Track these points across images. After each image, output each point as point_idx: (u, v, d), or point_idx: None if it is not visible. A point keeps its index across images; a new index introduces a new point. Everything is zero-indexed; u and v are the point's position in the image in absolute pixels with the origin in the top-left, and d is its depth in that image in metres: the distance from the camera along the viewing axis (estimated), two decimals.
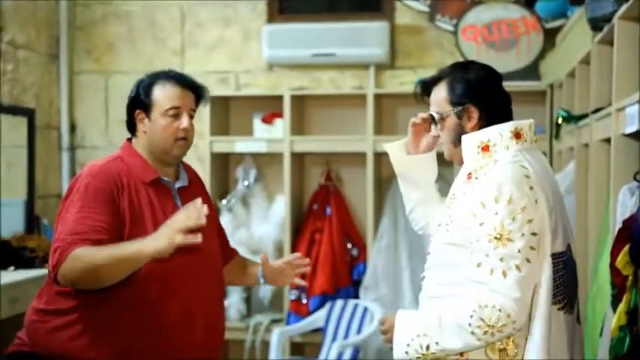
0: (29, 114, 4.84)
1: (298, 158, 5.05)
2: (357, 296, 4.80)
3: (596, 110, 2.94)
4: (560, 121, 3.74)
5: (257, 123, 4.95)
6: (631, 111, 2.39)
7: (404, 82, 4.97)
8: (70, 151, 5.31)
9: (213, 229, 2.51)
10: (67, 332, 2.31)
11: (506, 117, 2.15)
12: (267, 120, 4.92)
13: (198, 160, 5.20)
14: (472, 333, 1.94)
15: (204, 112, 5.06)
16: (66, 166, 5.28)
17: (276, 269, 2.63)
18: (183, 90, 2.40)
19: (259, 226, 4.98)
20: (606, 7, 2.70)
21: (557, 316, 2.04)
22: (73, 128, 5.34)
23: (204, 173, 5.01)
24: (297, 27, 5.01)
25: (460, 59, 4.78)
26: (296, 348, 4.90)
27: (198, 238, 2.05)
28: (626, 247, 2.13)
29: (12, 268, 4.18)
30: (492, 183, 2.00)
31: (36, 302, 2.41)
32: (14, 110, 4.72)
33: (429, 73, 2.32)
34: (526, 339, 2.00)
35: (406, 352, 2.02)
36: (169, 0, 5.25)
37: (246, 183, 5.06)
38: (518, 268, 1.93)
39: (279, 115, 4.89)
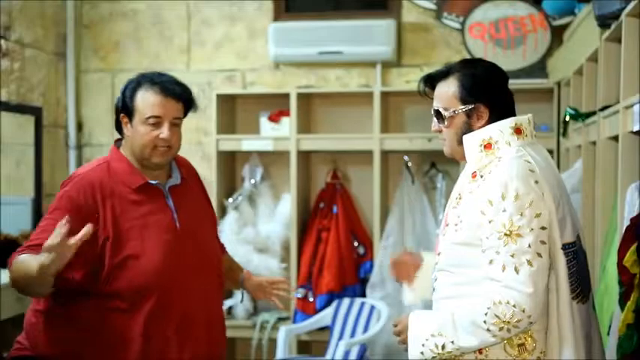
0: (36, 112, 4.86)
1: (305, 156, 5.04)
2: (363, 294, 4.80)
3: (604, 108, 2.93)
4: (567, 118, 3.73)
5: (263, 121, 4.95)
6: (639, 108, 2.37)
7: (410, 80, 4.95)
8: (77, 149, 5.32)
9: (211, 226, 2.53)
10: (66, 333, 2.29)
11: (511, 116, 2.14)
12: (274, 118, 4.92)
13: (205, 158, 5.21)
14: (488, 330, 1.95)
15: (210, 110, 5.07)
16: (73, 165, 5.29)
17: (257, 284, 2.64)
18: (167, 98, 2.31)
19: (266, 224, 4.98)
20: (614, 4, 2.69)
21: (572, 306, 2.04)
22: (80, 126, 5.35)
23: (211, 171, 5.02)
24: (303, 25, 5.00)
25: (467, 57, 4.78)
26: (303, 346, 4.90)
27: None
28: (634, 246, 2.13)
29: None
30: (498, 180, 2.00)
31: (34, 304, 2.38)
32: (21, 109, 4.74)
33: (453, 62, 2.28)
34: (545, 333, 2.01)
35: (421, 353, 2.03)
36: None
37: (252, 181, 5.06)
38: (529, 263, 1.94)
39: (286, 113, 4.88)
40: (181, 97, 2.35)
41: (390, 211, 4.89)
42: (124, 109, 2.33)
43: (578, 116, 3.48)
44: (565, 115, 3.75)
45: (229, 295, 4.49)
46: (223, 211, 5.02)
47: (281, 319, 4.90)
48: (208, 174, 5.10)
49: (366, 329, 4.47)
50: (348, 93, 5.05)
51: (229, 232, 4.91)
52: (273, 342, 4.72)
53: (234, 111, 5.21)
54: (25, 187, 4.78)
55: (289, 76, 5.16)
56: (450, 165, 4.71)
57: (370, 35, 4.91)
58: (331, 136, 4.92)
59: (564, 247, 2.03)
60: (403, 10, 5.06)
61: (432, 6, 4.98)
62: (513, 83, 4.89)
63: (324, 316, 4.66)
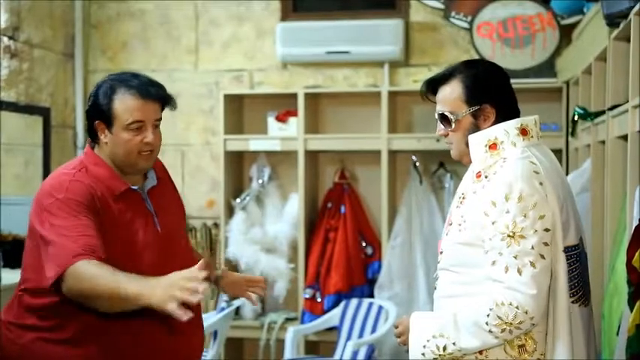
0: (45, 113, 4.87)
1: (312, 156, 5.04)
2: (371, 295, 4.79)
3: (613, 107, 2.91)
4: (576, 118, 3.71)
5: (271, 121, 4.94)
6: None
7: (418, 79, 4.93)
8: None
9: (182, 226, 2.49)
10: (40, 347, 2.21)
11: (517, 115, 2.13)
12: (281, 118, 4.92)
13: (213, 158, 5.21)
14: (490, 331, 1.94)
15: (218, 110, 5.07)
16: None
17: (231, 280, 2.59)
18: (146, 102, 2.21)
19: (273, 224, 4.98)
20: (622, 3, 2.68)
21: (573, 309, 2.04)
22: None
23: (219, 172, 5.02)
24: (310, 25, 5.00)
25: (475, 56, 4.77)
26: (310, 346, 4.90)
27: (194, 299, 1.88)
28: None
29: None
30: (502, 181, 2.00)
31: (5, 315, 2.30)
32: (30, 109, 4.75)
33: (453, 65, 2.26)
34: (545, 334, 2.00)
35: (423, 354, 2.03)
36: None
37: (260, 181, 5.05)
38: (532, 264, 1.93)
39: (294, 113, 4.88)
40: (160, 98, 2.27)
41: (397, 211, 4.88)
42: (100, 116, 2.21)
43: (586, 115, 3.46)
44: (574, 115, 3.74)
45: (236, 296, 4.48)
46: (231, 211, 5.02)
47: (289, 320, 4.90)
48: (216, 174, 5.11)
49: (374, 330, 4.46)
50: (355, 93, 5.04)
51: (237, 232, 4.92)
52: (280, 342, 4.72)
53: (242, 111, 5.21)
54: (34, 187, 4.78)
55: (297, 76, 5.16)
56: (459, 165, 4.65)
57: (378, 35, 4.90)
58: (339, 136, 4.92)
59: (567, 249, 2.02)
60: (411, 9, 5.05)
61: (440, 5, 4.96)
62: (522, 82, 4.89)
63: (331, 317, 4.66)
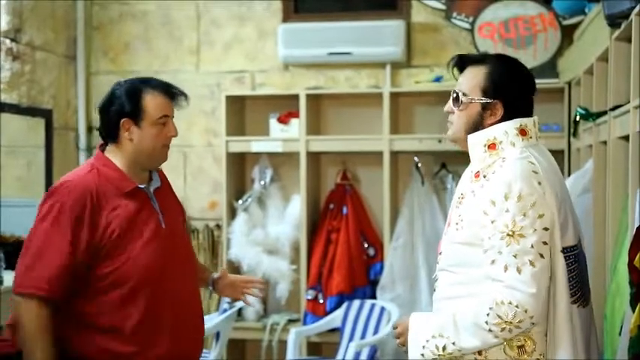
0: (47, 115, 4.88)
1: (314, 158, 5.04)
2: (373, 296, 4.79)
3: (615, 107, 2.91)
4: (578, 118, 3.71)
5: (273, 123, 4.95)
6: None
7: (420, 80, 4.94)
8: (88, 151, 5.33)
9: (184, 229, 2.61)
10: (55, 332, 2.29)
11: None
12: (283, 120, 4.92)
13: (215, 159, 5.22)
14: (489, 330, 1.94)
15: (220, 111, 5.07)
16: None
17: (228, 282, 2.69)
18: (169, 99, 2.43)
19: (275, 225, 4.98)
20: (623, 3, 2.67)
21: (572, 310, 2.04)
22: (90, 128, 5.36)
23: (221, 173, 5.02)
24: (312, 26, 5.00)
25: None
26: (313, 348, 4.90)
27: None
28: None
29: None
30: (501, 180, 2.01)
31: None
32: (32, 111, 4.76)
33: (445, 71, 2.30)
34: (544, 335, 2.00)
35: (422, 354, 2.03)
36: None
37: (262, 183, 5.06)
38: (532, 263, 1.94)
39: (295, 114, 4.88)
40: (179, 96, 2.46)
41: (399, 212, 4.88)
42: (128, 114, 2.36)
43: (588, 116, 3.46)
44: (575, 115, 3.74)
45: (232, 298, 4.48)
46: (233, 212, 5.02)
47: (291, 321, 4.90)
48: (218, 175, 5.11)
49: (376, 331, 4.46)
50: (357, 94, 5.04)
51: (239, 233, 4.92)
52: (283, 344, 4.71)
53: (244, 112, 5.21)
54: (36, 189, 4.80)
55: (298, 77, 5.16)
56: (461, 165, 4.66)
57: (379, 36, 4.90)
58: (341, 137, 4.92)
59: (565, 250, 2.02)
60: (412, 10, 5.05)
61: (442, 6, 4.96)
62: None
63: (334, 318, 4.66)
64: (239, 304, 4.48)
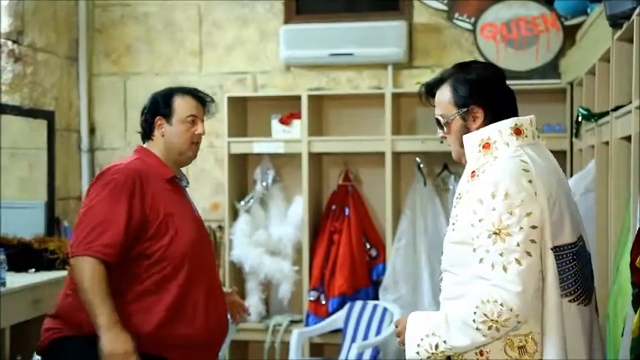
0: (49, 116, 4.88)
1: (316, 159, 5.04)
2: (376, 297, 4.79)
3: (617, 108, 2.91)
4: (580, 119, 3.71)
5: (275, 124, 4.95)
6: None
7: (422, 81, 4.91)
8: (90, 153, 5.34)
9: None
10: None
11: (512, 115, 2.13)
12: (285, 121, 4.92)
13: (217, 161, 5.22)
14: (477, 329, 1.95)
15: (222, 113, 5.07)
16: (86, 168, 5.31)
17: (230, 301, 2.95)
18: (198, 102, 2.79)
19: (278, 227, 4.98)
20: (625, 4, 2.67)
21: (569, 308, 2.03)
22: (92, 130, 5.37)
23: (223, 174, 5.03)
24: (314, 27, 5.00)
25: (479, 58, 4.76)
26: (315, 349, 4.89)
27: None
28: None
29: (32, 270, 4.21)
30: (490, 179, 2.01)
31: (67, 287, 2.64)
32: (34, 113, 4.76)
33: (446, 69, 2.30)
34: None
35: (417, 353, 2.04)
36: (187, 0, 5.27)
37: (264, 184, 5.06)
38: (518, 261, 1.93)
39: (297, 115, 4.88)
40: (207, 102, 2.82)
41: (402, 213, 4.88)
42: (162, 112, 2.74)
43: (590, 116, 3.46)
44: (577, 116, 3.73)
45: (242, 297, 4.50)
46: (235, 213, 5.02)
47: (293, 322, 4.90)
48: (220, 177, 5.11)
49: (378, 332, 4.46)
50: (359, 95, 5.04)
51: (241, 234, 4.92)
52: (285, 345, 4.71)
53: (246, 114, 5.21)
54: (38, 191, 4.80)
55: (300, 79, 5.16)
56: (462, 166, 4.68)
57: (381, 37, 4.90)
58: (343, 138, 4.91)
59: (560, 248, 2.02)
60: (414, 11, 5.05)
61: (443, 7, 4.96)
62: (526, 84, 4.88)
63: (336, 319, 4.65)
64: None
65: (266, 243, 4.95)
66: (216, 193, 5.21)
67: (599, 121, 3.31)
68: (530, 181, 1.99)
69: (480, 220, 1.98)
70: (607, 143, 3.13)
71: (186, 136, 2.73)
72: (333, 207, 4.99)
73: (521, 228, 1.95)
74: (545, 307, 1.98)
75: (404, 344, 2.08)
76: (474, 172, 2.08)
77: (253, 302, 4.93)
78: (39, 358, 2.71)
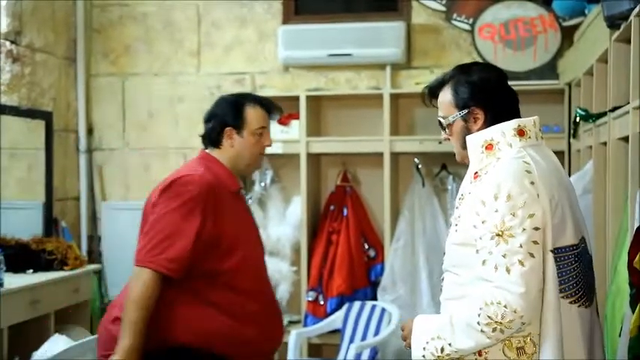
0: (47, 117, 4.88)
1: (314, 159, 5.04)
2: (374, 297, 4.79)
3: (614, 109, 2.91)
4: (578, 119, 3.71)
5: (273, 124, 4.92)
6: None
7: (421, 81, 4.94)
8: (88, 153, 5.34)
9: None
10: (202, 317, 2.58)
11: (514, 116, 2.14)
12: (283, 121, 4.92)
13: None
14: (481, 331, 1.95)
15: None
16: (84, 169, 5.31)
17: None
18: (266, 112, 2.77)
19: (276, 227, 4.98)
20: (623, 4, 2.67)
21: (569, 310, 2.03)
22: (90, 131, 5.37)
23: None
24: (312, 27, 5.00)
25: (477, 58, 4.77)
26: (313, 349, 4.89)
27: None
28: None
29: (30, 270, 4.20)
30: (492, 181, 2.01)
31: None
32: (32, 113, 4.76)
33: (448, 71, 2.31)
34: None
35: (423, 356, 2.04)
36: (185, 0, 5.27)
37: (262, 184, 5.06)
38: (521, 263, 1.93)
39: (296, 116, 4.88)
40: (274, 110, 2.80)
41: (400, 214, 4.88)
42: (231, 123, 2.70)
43: (588, 117, 3.46)
44: (575, 116, 3.73)
45: None
46: None
47: (292, 323, 4.89)
48: None
49: (377, 332, 4.46)
50: (357, 95, 5.04)
51: None
52: (283, 345, 4.70)
53: None
54: (36, 191, 4.80)
55: (299, 79, 5.16)
56: (461, 167, 4.66)
57: (380, 37, 4.90)
58: (341, 139, 4.91)
59: (561, 249, 2.02)
60: (413, 11, 5.05)
61: (442, 7, 4.97)
62: (523, 84, 4.87)
63: (334, 320, 4.65)
64: None
65: (264, 243, 4.93)
66: None
67: (596, 121, 3.31)
68: (532, 183, 1.99)
69: (482, 222, 1.99)
70: (605, 144, 3.13)
71: (255, 149, 2.72)
72: (332, 207, 4.99)
73: (524, 229, 1.95)
74: (543, 308, 1.98)
75: (410, 348, 2.09)
76: (476, 173, 2.08)
77: None
78: None
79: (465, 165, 2.20)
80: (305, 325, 4.80)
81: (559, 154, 4.39)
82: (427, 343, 2.03)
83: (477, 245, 2.00)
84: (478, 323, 1.94)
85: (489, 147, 2.08)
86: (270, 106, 2.78)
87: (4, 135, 4.42)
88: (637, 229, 2.22)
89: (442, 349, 2.00)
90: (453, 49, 5.01)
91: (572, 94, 4.34)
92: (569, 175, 4.13)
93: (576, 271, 2.05)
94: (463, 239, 2.05)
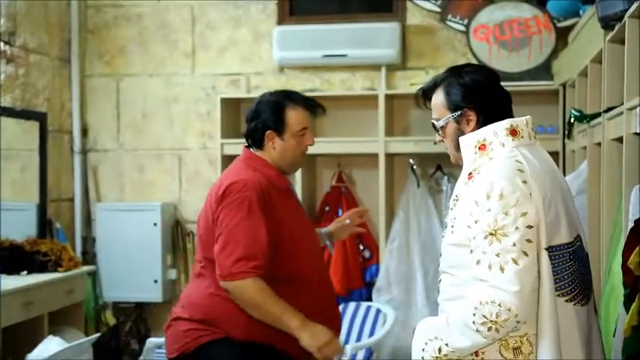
0: (41, 118, 4.86)
1: (310, 160, 5.03)
2: (369, 298, 4.79)
3: (609, 109, 2.92)
4: (572, 120, 3.71)
5: None
6: None
7: (415, 82, 4.94)
8: (82, 154, 5.33)
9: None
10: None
11: (506, 116, 2.14)
12: None
13: (210, 162, 5.21)
14: (477, 331, 1.95)
15: (215, 114, 5.07)
16: (78, 170, 5.29)
17: (337, 229, 3.06)
18: (308, 111, 2.77)
19: None
20: (617, 5, 2.68)
21: (565, 308, 2.03)
22: (84, 131, 5.36)
23: (216, 176, 5.01)
24: (307, 28, 5.00)
25: (472, 59, 4.77)
26: None
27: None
28: (639, 247, 2.11)
29: (24, 272, 4.19)
30: (485, 180, 2.02)
31: (211, 288, 2.65)
32: (26, 114, 4.74)
33: (440, 73, 2.31)
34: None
35: (422, 357, 2.06)
36: (180, 0, 5.26)
37: None
38: (515, 261, 1.94)
39: None
40: (315, 107, 2.81)
41: (395, 214, 4.88)
42: (273, 127, 2.70)
43: (582, 118, 3.46)
44: (570, 117, 3.74)
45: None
46: None
47: None
48: (214, 178, 5.09)
49: (372, 333, 4.45)
50: (352, 96, 5.04)
51: None
52: None
53: (239, 115, 5.19)
54: (30, 192, 4.79)
55: (294, 80, 5.16)
56: (456, 167, 4.64)
57: (375, 38, 4.90)
58: (336, 140, 4.91)
59: (555, 248, 2.02)
60: (408, 12, 5.05)
61: (437, 8, 4.97)
62: (518, 85, 4.88)
63: None
64: None
65: None
66: None
67: (591, 122, 3.32)
68: (524, 182, 1.99)
69: (476, 222, 1.99)
70: (599, 144, 3.13)
71: (298, 150, 2.74)
72: (327, 208, 4.99)
73: (517, 228, 1.95)
74: (539, 307, 1.98)
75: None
76: (470, 173, 2.09)
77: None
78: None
79: (460, 166, 2.20)
80: None
81: (553, 154, 4.39)
82: (426, 344, 2.05)
83: (470, 245, 2.01)
84: (474, 323, 1.95)
85: (482, 147, 2.09)
86: (312, 106, 2.79)
87: None
88: (631, 229, 2.22)
89: (440, 350, 2.02)
90: (448, 50, 5.01)
91: (567, 95, 4.35)
92: (564, 176, 4.14)
93: (572, 269, 2.05)
94: (459, 240, 2.06)
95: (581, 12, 4.05)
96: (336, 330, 2.78)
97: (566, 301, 2.03)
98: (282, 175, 2.75)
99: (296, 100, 2.75)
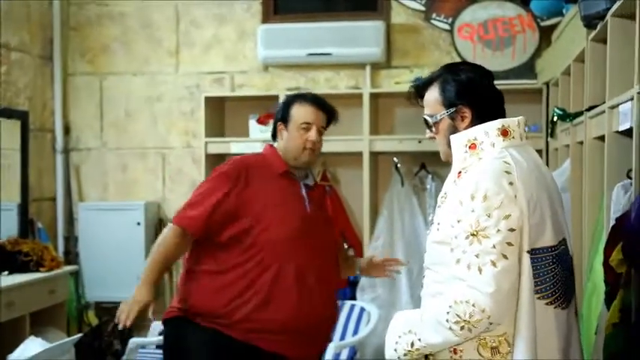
0: (23, 116, 4.83)
1: None
2: (353, 297, 4.78)
3: (591, 108, 2.93)
4: (555, 119, 3.72)
5: (252, 124, 4.93)
6: (624, 108, 2.37)
7: (400, 81, 4.95)
8: (65, 153, 5.29)
9: (329, 226, 3.04)
10: (215, 284, 2.77)
11: (500, 116, 2.14)
12: (263, 121, 4.90)
13: (194, 161, 5.19)
14: (450, 329, 1.96)
15: (199, 113, 5.05)
16: (60, 169, 5.26)
17: (372, 265, 3.13)
18: (317, 110, 2.89)
19: None
20: (599, 4, 2.69)
21: (545, 311, 2.03)
22: (67, 130, 5.32)
23: (200, 175, 5.00)
24: (292, 27, 4.99)
25: (456, 58, 4.78)
26: None
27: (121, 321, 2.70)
28: (620, 245, 2.12)
29: (6, 272, 4.16)
30: (471, 180, 2.02)
31: (191, 265, 2.85)
32: (8, 113, 4.71)
33: (425, 72, 2.33)
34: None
35: (395, 350, 2.07)
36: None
37: None
38: (493, 263, 1.94)
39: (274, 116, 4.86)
40: (327, 109, 2.92)
41: (379, 213, 4.88)
42: (281, 119, 2.90)
43: (565, 116, 3.48)
44: (553, 116, 3.75)
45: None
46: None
47: None
48: (197, 177, 5.08)
49: (355, 332, 4.45)
50: (337, 94, 5.01)
51: None
52: None
53: (223, 114, 5.19)
54: (12, 192, 4.74)
55: (278, 78, 5.15)
56: (440, 166, 4.70)
57: (359, 37, 4.90)
58: None
59: (541, 250, 2.01)
60: (392, 11, 5.05)
61: (421, 7, 4.97)
62: (502, 84, 4.87)
63: None
64: None
65: None
66: None
67: (573, 121, 3.33)
68: (511, 183, 1.99)
69: (458, 221, 1.99)
70: (581, 143, 3.15)
71: (298, 142, 2.85)
72: None
73: (499, 230, 1.95)
74: (518, 308, 1.98)
75: None
76: (459, 172, 2.09)
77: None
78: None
79: (445, 164, 2.20)
80: None
81: (537, 152, 4.42)
82: (399, 337, 2.06)
83: (451, 244, 2.01)
84: (447, 320, 1.95)
85: (473, 146, 2.08)
86: (321, 104, 2.90)
87: None
88: (612, 227, 2.23)
89: (412, 344, 2.03)
90: (433, 48, 5.02)
91: (550, 94, 4.36)
92: None
93: (554, 272, 2.05)
94: (442, 238, 2.06)
95: (564, 11, 4.07)
96: (313, 322, 2.81)
97: (547, 304, 2.03)
98: (284, 162, 2.87)
99: (305, 97, 2.94)
